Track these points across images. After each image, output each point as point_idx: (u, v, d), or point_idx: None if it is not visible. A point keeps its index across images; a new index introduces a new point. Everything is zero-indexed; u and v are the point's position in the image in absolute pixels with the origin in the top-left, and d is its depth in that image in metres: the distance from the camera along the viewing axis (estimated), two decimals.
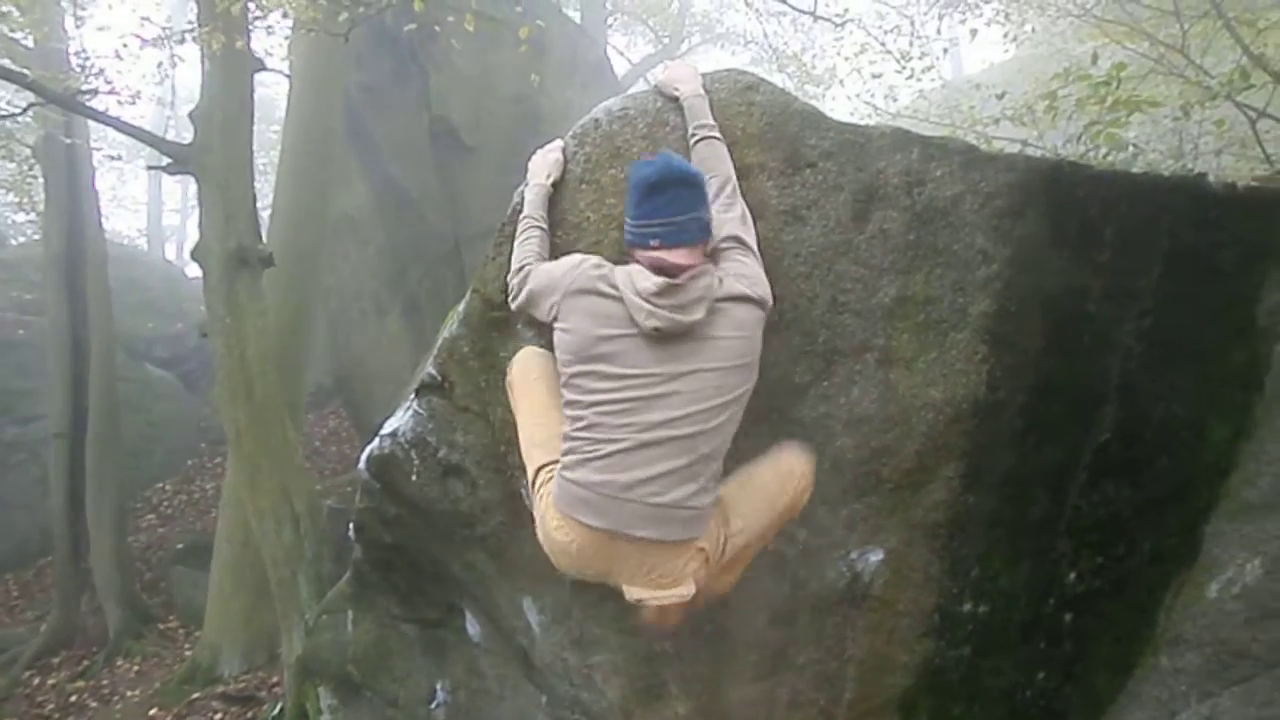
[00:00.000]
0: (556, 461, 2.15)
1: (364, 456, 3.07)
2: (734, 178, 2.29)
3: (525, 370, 2.41)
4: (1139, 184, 2.56)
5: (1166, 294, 2.53)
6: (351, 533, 3.44)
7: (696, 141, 2.35)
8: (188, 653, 7.99)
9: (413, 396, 2.86)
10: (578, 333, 2.10)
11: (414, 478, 2.92)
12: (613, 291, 2.08)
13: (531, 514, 2.29)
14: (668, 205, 2.06)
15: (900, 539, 2.60)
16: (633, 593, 2.13)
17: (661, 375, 2.03)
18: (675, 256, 2.04)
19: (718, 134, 2.36)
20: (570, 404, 2.12)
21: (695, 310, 2.02)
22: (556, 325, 2.16)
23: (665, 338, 2.03)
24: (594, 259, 2.19)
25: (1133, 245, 2.51)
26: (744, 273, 2.14)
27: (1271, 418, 2.58)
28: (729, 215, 2.22)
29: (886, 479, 2.55)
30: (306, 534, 6.20)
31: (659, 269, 2.04)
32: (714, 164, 2.29)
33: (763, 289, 2.14)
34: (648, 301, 2.01)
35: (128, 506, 9.79)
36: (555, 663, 2.96)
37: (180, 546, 9.65)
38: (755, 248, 2.22)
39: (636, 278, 2.06)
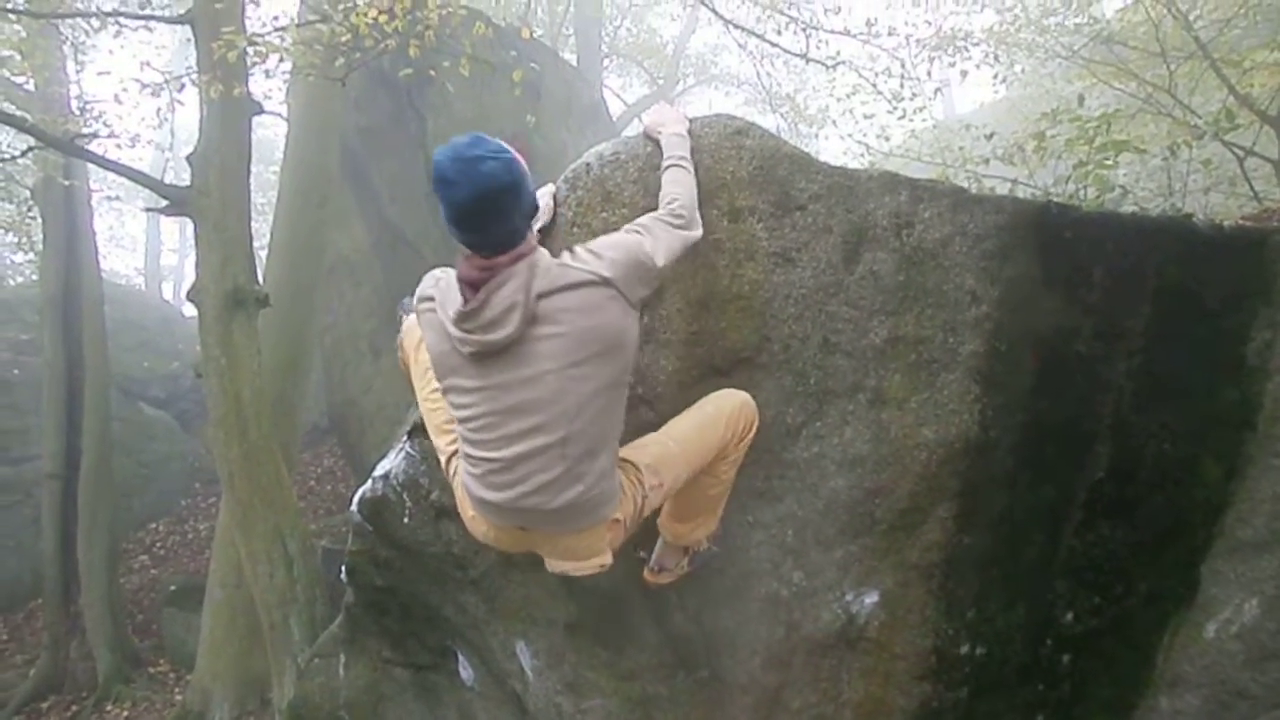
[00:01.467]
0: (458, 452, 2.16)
1: (356, 499, 3.05)
2: (682, 199, 2.20)
3: (416, 350, 2.43)
4: (1126, 224, 2.59)
5: (1156, 333, 2.55)
6: (344, 575, 3.41)
7: (664, 170, 2.34)
8: (178, 697, 7.87)
9: (405, 438, 2.85)
10: (431, 349, 2.08)
11: (406, 520, 2.91)
12: (440, 311, 2.00)
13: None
14: (465, 223, 1.88)
15: (895, 580, 2.58)
16: (554, 566, 2.17)
17: (504, 385, 1.94)
18: (475, 265, 1.91)
19: (686, 163, 2.34)
20: (451, 418, 2.13)
21: (504, 325, 1.88)
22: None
23: (490, 355, 1.93)
24: (439, 271, 2.09)
25: (1121, 285, 2.53)
26: (599, 247, 1.98)
27: (1264, 456, 2.58)
28: (648, 215, 2.15)
29: (880, 520, 2.54)
30: (299, 576, 6.13)
31: (463, 279, 1.94)
32: (667, 186, 2.26)
33: (617, 263, 1.94)
34: (455, 327, 1.93)
35: (120, 548, 9.70)
36: (549, 707, 2.92)
37: (172, 588, 9.53)
38: (659, 232, 2.08)
39: (450, 297, 1.96)
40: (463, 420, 2.05)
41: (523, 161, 1.94)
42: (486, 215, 1.86)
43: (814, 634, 2.60)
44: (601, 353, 1.94)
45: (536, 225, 2.42)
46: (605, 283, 1.92)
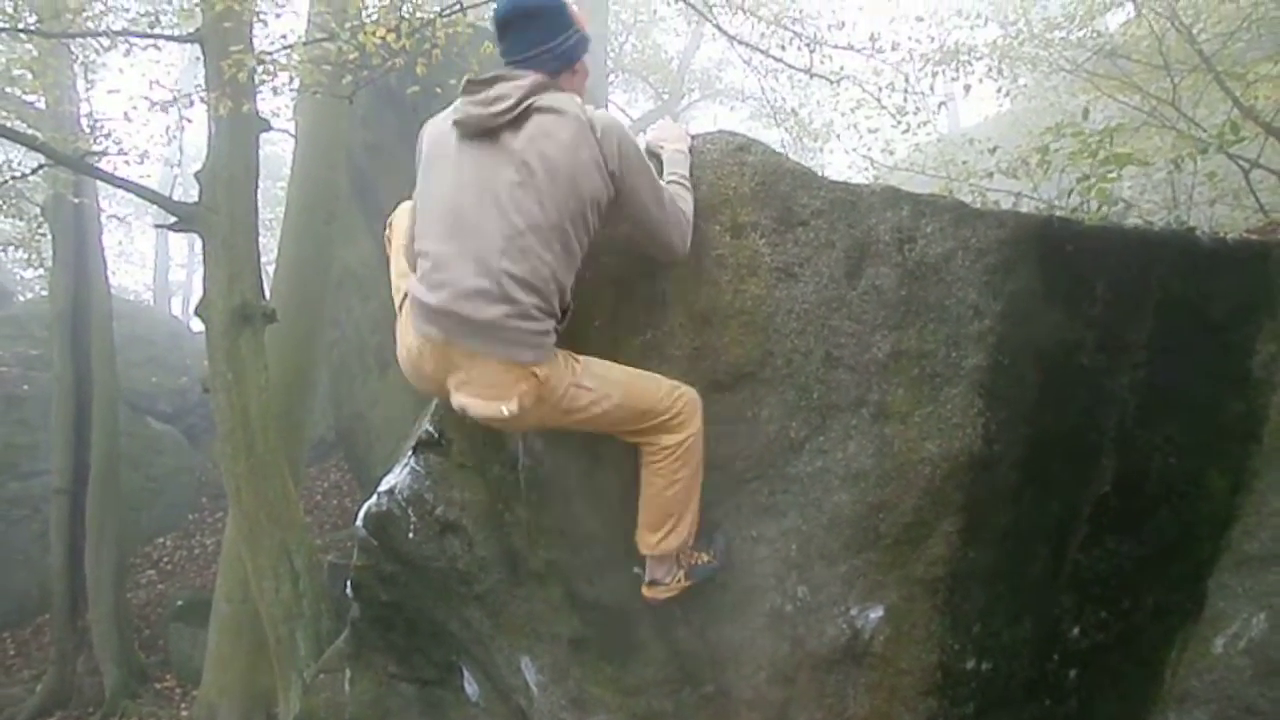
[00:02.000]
0: None
1: (361, 514, 3.06)
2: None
3: (401, 232, 2.52)
4: (1128, 238, 2.59)
5: (1160, 346, 2.55)
6: (349, 590, 3.41)
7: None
8: (184, 713, 7.88)
9: (410, 453, 2.86)
10: (427, 142, 2.24)
11: (411, 535, 2.92)
12: (452, 109, 2.17)
13: None
14: (498, 32, 2.17)
15: (900, 595, 2.57)
16: (457, 399, 2.13)
17: (473, 175, 2.07)
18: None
19: (685, 181, 2.40)
20: (414, 220, 2.25)
21: (498, 104, 2.04)
22: None
23: (473, 140, 2.08)
24: None
25: (1124, 298, 2.53)
26: (621, 138, 2.11)
27: (1270, 470, 2.57)
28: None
29: (885, 534, 2.53)
30: (305, 591, 6.15)
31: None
32: None
33: (625, 153, 2.09)
34: (459, 102, 2.10)
35: (127, 563, 9.73)
36: None
37: (179, 603, 9.55)
38: (669, 203, 2.23)
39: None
40: (424, 212, 2.18)
41: (571, 11, 2.19)
42: (512, 26, 2.14)
43: (819, 649, 2.59)
44: (562, 193, 2.03)
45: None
46: (596, 143, 2.06)
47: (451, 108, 2.17)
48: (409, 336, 2.19)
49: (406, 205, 2.53)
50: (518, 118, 2.05)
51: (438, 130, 2.21)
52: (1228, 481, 2.62)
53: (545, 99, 2.07)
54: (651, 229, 2.24)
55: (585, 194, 2.06)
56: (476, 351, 2.07)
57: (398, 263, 2.54)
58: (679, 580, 2.49)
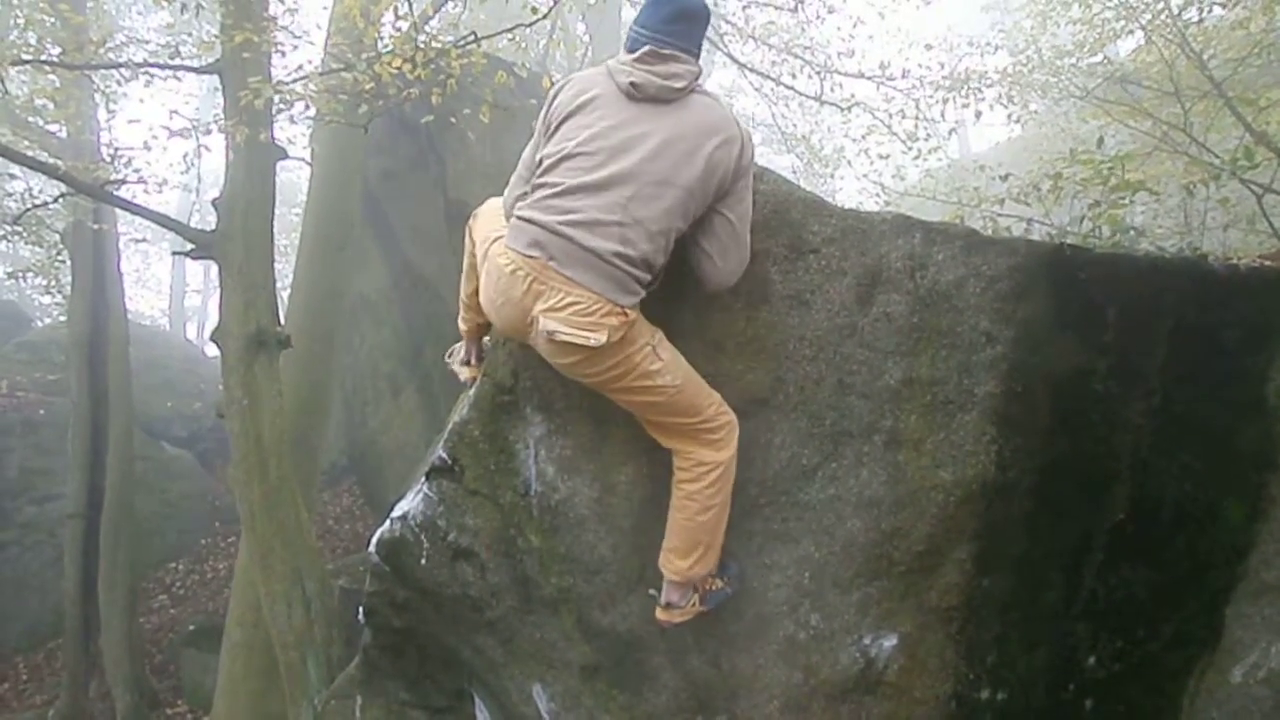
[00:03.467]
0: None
1: (374, 540, 3.07)
2: None
3: (481, 238, 2.57)
4: (1140, 265, 2.59)
5: (1173, 373, 2.54)
6: (361, 617, 3.41)
7: None
8: None
9: (423, 480, 2.87)
10: (576, 88, 2.35)
11: (423, 561, 2.92)
12: (602, 70, 2.35)
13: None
14: (683, 35, 2.32)
15: (914, 623, 2.56)
16: (546, 323, 2.19)
17: (632, 127, 2.22)
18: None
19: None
20: (540, 161, 2.32)
21: (675, 80, 2.24)
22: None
23: (640, 99, 2.25)
24: None
25: (1137, 325, 2.52)
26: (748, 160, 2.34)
27: None
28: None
29: (898, 562, 2.52)
30: (317, 617, 6.14)
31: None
32: None
33: (744, 166, 2.32)
34: (635, 65, 2.26)
35: (139, 587, 9.74)
36: None
37: (191, 628, 9.55)
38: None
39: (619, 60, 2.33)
40: (557, 152, 2.26)
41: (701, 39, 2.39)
42: (691, 20, 2.32)
43: (832, 677, 2.58)
44: (699, 168, 2.20)
45: None
46: (740, 142, 2.28)
47: (606, 69, 2.33)
48: (502, 259, 2.27)
49: (494, 201, 2.63)
50: (684, 94, 2.27)
51: (588, 85, 2.32)
52: (1244, 509, 2.59)
53: (703, 88, 2.33)
54: (725, 243, 2.32)
55: (713, 178, 2.23)
56: (577, 280, 2.17)
57: (487, 226, 2.58)
58: (694, 604, 2.50)
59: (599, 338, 2.16)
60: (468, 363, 2.90)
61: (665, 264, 2.30)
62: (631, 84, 2.24)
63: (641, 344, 2.26)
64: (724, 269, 2.33)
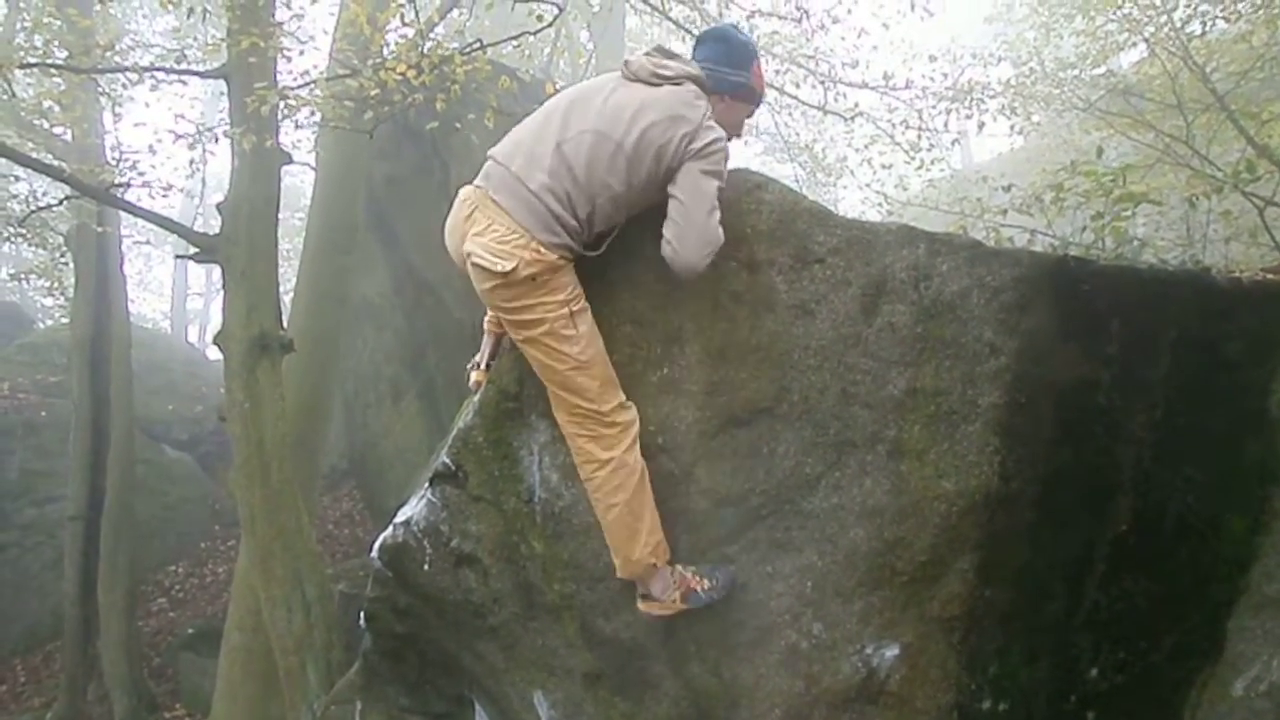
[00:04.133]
0: None
1: (376, 545, 3.07)
2: None
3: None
4: (1143, 277, 2.60)
5: (1176, 385, 2.54)
6: (362, 622, 3.41)
7: None
8: None
9: (427, 485, 2.88)
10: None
11: (426, 567, 2.92)
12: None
13: None
14: (697, 52, 2.61)
15: (916, 633, 2.56)
16: (468, 245, 2.37)
17: (593, 96, 2.45)
18: None
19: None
20: None
21: (663, 69, 2.45)
22: None
23: (628, 78, 2.47)
24: None
25: (1140, 337, 2.53)
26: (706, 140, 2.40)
27: None
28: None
29: (901, 571, 2.53)
30: (317, 621, 6.13)
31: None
32: None
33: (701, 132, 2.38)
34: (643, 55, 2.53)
35: (139, 590, 9.73)
36: None
37: (190, 631, 9.54)
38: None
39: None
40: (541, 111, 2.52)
41: (754, 65, 2.61)
42: (706, 41, 2.64)
43: (834, 687, 2.57)
44: (637, 134, 2.34)
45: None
46: (693, 135, 2.36)
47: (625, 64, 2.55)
48: (460, 194, 2.48)
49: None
50: (666, 81, 2.43)
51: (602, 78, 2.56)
52: (1247, 522, 2.59)
53: (691, 85, 2.45)
54: (678, 224, 2.35)
55: (651, 148, 2.34)
56: (504, 206, 2.34)
57: None
58: (674, 601, 2.51)
59: (506, 264, 2.28)
60: (479, 366, 2.91)
61: (604, 229, 2.45)
62: (626, 63, 2.49)
63: (559, 299, 2.35)
64: (680, 251, 2.34)
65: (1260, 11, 6.95)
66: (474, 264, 2.34)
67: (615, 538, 2.47)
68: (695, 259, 2.34)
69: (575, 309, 2.38)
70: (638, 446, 2.45)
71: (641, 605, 2.54)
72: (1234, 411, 2.57)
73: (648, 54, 2.51)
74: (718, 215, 2.37)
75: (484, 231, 2.34)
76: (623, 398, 2.45)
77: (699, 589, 2.52)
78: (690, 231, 2.33)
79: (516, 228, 2.31)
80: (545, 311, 2.34)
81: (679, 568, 2.53)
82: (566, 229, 2.34)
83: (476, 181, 2.45)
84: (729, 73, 2.53)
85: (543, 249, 2.30)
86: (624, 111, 2.37)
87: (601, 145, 2.34)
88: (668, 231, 2.35)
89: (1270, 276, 2.70)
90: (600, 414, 2.40)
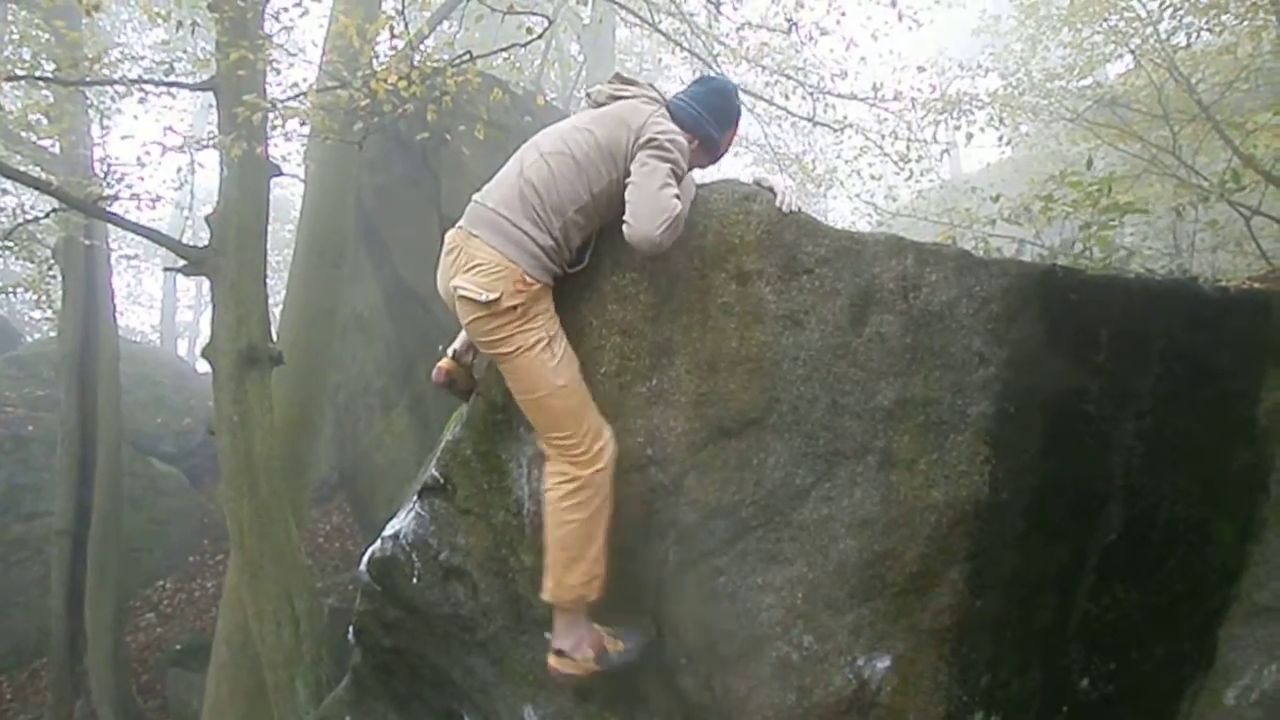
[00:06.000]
0: None
1: (365, 558, 3.05)
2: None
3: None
4: (1131, 287, 2.61)
5: (1165, 394, 2.55)
6: (351, 636, 3.38)
7: None
8: None
9: (415, 498, 2.86)
10: None
11: (415, 580, 2.90)
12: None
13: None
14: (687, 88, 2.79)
15: (907, 645, 2.55)
16: (455, 280, 2.43)
17: (554, 132, 2.57)
18: None
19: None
20: None
21: (622, 92, 2.64)
22: None
23: (590, 105, 2.68)
24: None
25: (1128, 346, 2.54)
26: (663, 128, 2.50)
27: (1279, 520, 2.56)
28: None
29: (891, 583, 2.52)
30: (306, 636, 6.08)
31: None
32: None
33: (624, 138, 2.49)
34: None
35: (127, 605, 9.64)
36: None
37: (178, 647, 9.44)
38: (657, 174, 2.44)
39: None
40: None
41: (729, 128, 2.76)
42: (701, 84, 2.76)
43: (825, 699, 2.56)
44: (590, 141, 2.48)
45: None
46: (642, 128, 2.49)
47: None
48: (447, 236, 2.54)
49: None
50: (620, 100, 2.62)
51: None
52: (1236, 531, 2.61)
53: (649, 105, 2.59)
54: (633, 202, 2.40)
55: (605, 149, 2.47)
56: (485, 240, 2.40)
57: None
58: (587, 660, 2.48)
59: (490, 294, 2.34)
60: (447, 355, 2.94)
61: (581, 241, 2.52)
62: (587, 94, 2.70)
63: (538, 325, 2.40)
64: (636, 224, 2.36)
65: (1244, 23, 7.01)
66: (460, 297, 2.40)
67: (557, 557, 2.44)
68: (650, 229, 2.34)
69: (552, 334, 2.43)
70: (612, 472, 2.45)
71: (553, 661, 2.51)
72: (1222, 420, 2.58)
73: (609, 81, 2.70)
74: (672, 190, 2.40)
75: (470, 267, 2.40)
76: (600, 425, 2.46)
77: (612, 650, 2.52)
78: (642, 203, 2.37)
79: (499, 258, 2.37)
80: (524, 339, 2.39)
81: (596, 627, 2.52)
82: (544, 250, 2.41)
83: (460, 224, 2.51)
84: (708, 122, 2.66)
85: (527, 277, 2.38)
86: (577, 130, 2.51)
87: (560, 162, 2.45)
88: (626, 212, 2.40)
89: (1257, 285, 2.72)
90: (577, 441, 2.41)
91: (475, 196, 2.55)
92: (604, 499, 2.43)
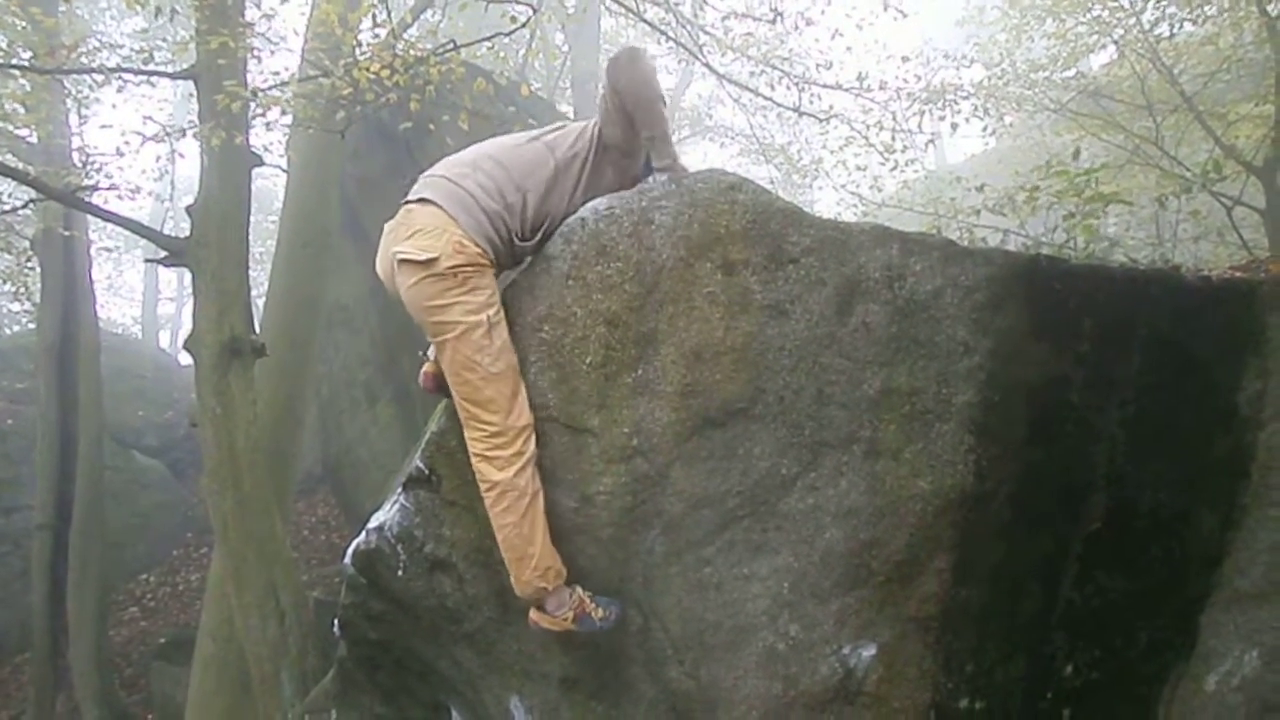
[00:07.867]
0: None
1: (349, 551, 3.03)
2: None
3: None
4: (1115, 276, 2.61)
5: (1147, 383, 2.56)
6: (337, 629, 3.37)
7: None
8: None
9: (400, 490, 2.84)
10: None
11: (400, 573, 2.89)
12: None
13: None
14: None
15: (893, 633, 2.56)
16: (397, 249, 2.42)
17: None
18: None
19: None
20: None
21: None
22: None
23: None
24: None
25: (1111, 336, 2.55)
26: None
27: (1259, 506, 2.58)
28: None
29: (877, 571, 2.53)
30: (291, 629, 6.06)
31: None
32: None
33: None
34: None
35: (110, 600, 9.57)
36: None
37: (162, 641, 9.39)
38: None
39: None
40: None
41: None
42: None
43: (812, 688, 2.57)
44: (518, 157, 2.60)
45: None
46: (577, 138, 2.69)
47: None
48: (386, 226, 2.57)
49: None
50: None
51: None
52: (1218, 518, 2.62)
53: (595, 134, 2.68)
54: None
55: (528, 160, 2.59)
56: (428, 198, 2.45)
57: None
58: (566, 619, 2.52)
59: (429, 254, 2.35)
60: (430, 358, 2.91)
61: (539, 220, 2.57)
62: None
63: (479, 301, 2.40)
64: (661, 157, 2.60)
65: (1226, 14, 7.05)
66: (399, 261, 2.40)
67: (507, 557, 2.50)
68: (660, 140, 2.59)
69: (493, 320, 2.43)
70: (531, 471, 2.47)
71: (533, 614, 2.56)
72: (1204, 408, 2.60)
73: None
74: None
75: (410, 234, 2.42)
76: (529, 423, 2.49)
77: (594, 615, 2.54)
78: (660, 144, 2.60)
79: (440, 215, 2.40)
80: (463, 314, 2.39)
81: (579, 590, 2.55)
82: (488, 213, 2.44)
83: (418, 188, 2.55)
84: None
85: (465, 241, 2.38)
86: (517, 143, 2.66)
87: (524, 145, 2.61)
88: (655, 166, 2.62)
89: (1239, 275, 2.73)
90: (501, 431, 2.43)
91: (430, 171, 2.62)
92: (530, 498, 2.46)
